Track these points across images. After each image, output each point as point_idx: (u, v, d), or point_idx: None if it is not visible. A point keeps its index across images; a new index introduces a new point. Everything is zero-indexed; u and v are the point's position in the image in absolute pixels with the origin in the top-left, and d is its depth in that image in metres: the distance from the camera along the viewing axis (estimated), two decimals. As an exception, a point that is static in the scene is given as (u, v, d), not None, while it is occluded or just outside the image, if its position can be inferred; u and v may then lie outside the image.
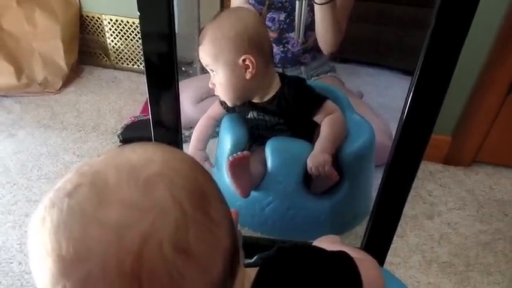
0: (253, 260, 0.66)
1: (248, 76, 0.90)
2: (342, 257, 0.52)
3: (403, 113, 0.71)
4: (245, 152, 0.92)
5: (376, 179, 1.10)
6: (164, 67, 0.72)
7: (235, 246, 0.40)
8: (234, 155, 0.91)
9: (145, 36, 0.69)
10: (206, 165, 1.04)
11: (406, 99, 0.70)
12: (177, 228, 0.34)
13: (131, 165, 0.36)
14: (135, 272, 0.32)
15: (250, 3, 1.22)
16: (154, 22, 0.68)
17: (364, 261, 0.53)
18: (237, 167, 0.92)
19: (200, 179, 0.38)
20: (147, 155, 0.38)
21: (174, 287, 0.33)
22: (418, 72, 0.66)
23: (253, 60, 0.89)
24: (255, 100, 0.98)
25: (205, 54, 0.92)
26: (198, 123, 1.06)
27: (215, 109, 1.06)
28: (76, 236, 0.32)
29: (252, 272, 0.46)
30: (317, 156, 0.94)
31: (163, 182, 0.35)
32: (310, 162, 0.94)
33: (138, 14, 0.67)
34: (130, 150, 0.38)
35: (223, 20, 0.91)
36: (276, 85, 0.97)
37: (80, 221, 0.33)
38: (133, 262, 0.32)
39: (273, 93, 0.97)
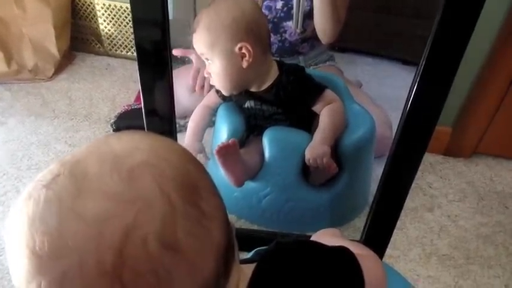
0: (250, 255, 0.64)
1: (245, 65, 0.88)
2: (343, 253, 0.50)
3: (406, 104, 0.69)
4: (231, 140, 0.89)
5: (374, 170, 1.08)
6: (157, 54, 0.70)
7: (229, 242, 0.37)
8: (220, 143, 0.89)
9: (137, 21, 0.67)
10: (202, 158, 1.02)
11: (410, 89, 0.68)
12: (164, 222, 0.31)
13: (115, 154, 0.33)
14: (116, 271, 0.29)
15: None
16: (146, 6, 0.65)
17: (366, 257, 0.51)
18: (226, 155, 0.89)
19: (191, 170, 0.36)
20: (133, 143, 0.35)
21: (160, 283, 0.31)
22: (423, 63, 0.64)
23: (250, 49, 0.86)
24: (252, 89, 0.96)
25: (200, 42, 0.89)
26: (193, 114, 1.03)
27: (211, 98, 1.03)
28: (52, 231, 0.30)
29: (248, 270, 0.43)
30: (316, 147, 0.92)
31: (149, 172, 0.32)
32: (309, 154, 0.92)
33: (130, -4, 0.63)
34: (115, 138, 0.36)
35: (220, 6, 0.88)
36: (273, 73, 0.94)
37: (57, 214, 0.30)
38: (115, 259, 0.29)
39: (271, 82, 0.94)
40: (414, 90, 0.67)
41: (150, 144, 0.36)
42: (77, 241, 0.29)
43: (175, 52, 1.03)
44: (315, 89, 0.95)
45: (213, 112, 1.04)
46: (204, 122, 1.03)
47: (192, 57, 1.07)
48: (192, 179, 0.35)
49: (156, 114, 0.75)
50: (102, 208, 0.30)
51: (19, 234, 0.31)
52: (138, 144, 0.35)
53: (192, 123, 1.02)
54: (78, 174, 0.32)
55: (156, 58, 0.69)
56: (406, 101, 0.69)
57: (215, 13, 0.87)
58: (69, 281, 0.29)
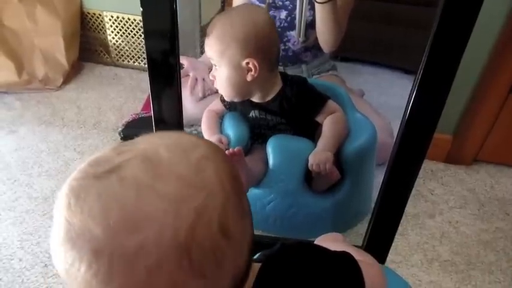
0: (256, 256, 0.66)
1: (249, 78, 0.90)
2: (345, 258, 0.52)
3: (405, 111, 0.71)
4: (237, 148, 0.91)
5: (376, 177, 1.10)
6: (166, 64, 0.72)
7: (253, 240, 0.41)
8: (226, 151, 0.91)
9: (148, 32, 0.69)
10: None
11: (408, 98, 0.70)
12: (223, 209, 0.35)
13: (182, 146, 0.38)
14: (188, 246, 0.33)
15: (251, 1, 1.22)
16: (157, 18, 0.68)
17: (367, 263, 0.53)
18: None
19: (235, 167, 0.41)
20: (193, 139, 0.39)
21: (216, 265, 0.35)
22: (421, 71, 0.66)
23: (257, 65, 0.88)
24: (256, 100, 0.98)
25: (210, 48, 0.90)
26: (203, 117, 1.04)
27: (216, 106, 1.05)
28: (130, 208, 0.33)
29: (255, 268, 0.46)
30: (319, 153, 0.94)
31: (211, 165, 0.37)
32: (312, 159, 0.94)
33: (141, 10, 0.66)
34: (175, 134, 0.40)
35: (234, 18, 0.89)
36: (277, 85, 0.96)
37: (135, 191, 0.33)
38: (187, 234, 0.33)
39: (275, 93, 0.96)
40: (413, 98, 0.69)
41: (203, 141, 0.40)
42: (157, 214, 0.33)
43: None
44: (317, 100, 0.97)
45: (219, 117, 1.06)
46: (215, 119, 1.03)
47: (184, 62, 1.07)
48: (237, 174, 0.40)
49: (165, 121, 0.78)
50: (179, 190, 0.34)
51: (88, 213, 0.33)
52: (196, 140, 0.39)
53: (204, 125, 1.04)
54: (152, 158, 0.35)
55: (165, 67, 0.72)
56: (405, 108, 0.70)
57: (229, 24, 0.88)
58: (146, 251, 0.32)
